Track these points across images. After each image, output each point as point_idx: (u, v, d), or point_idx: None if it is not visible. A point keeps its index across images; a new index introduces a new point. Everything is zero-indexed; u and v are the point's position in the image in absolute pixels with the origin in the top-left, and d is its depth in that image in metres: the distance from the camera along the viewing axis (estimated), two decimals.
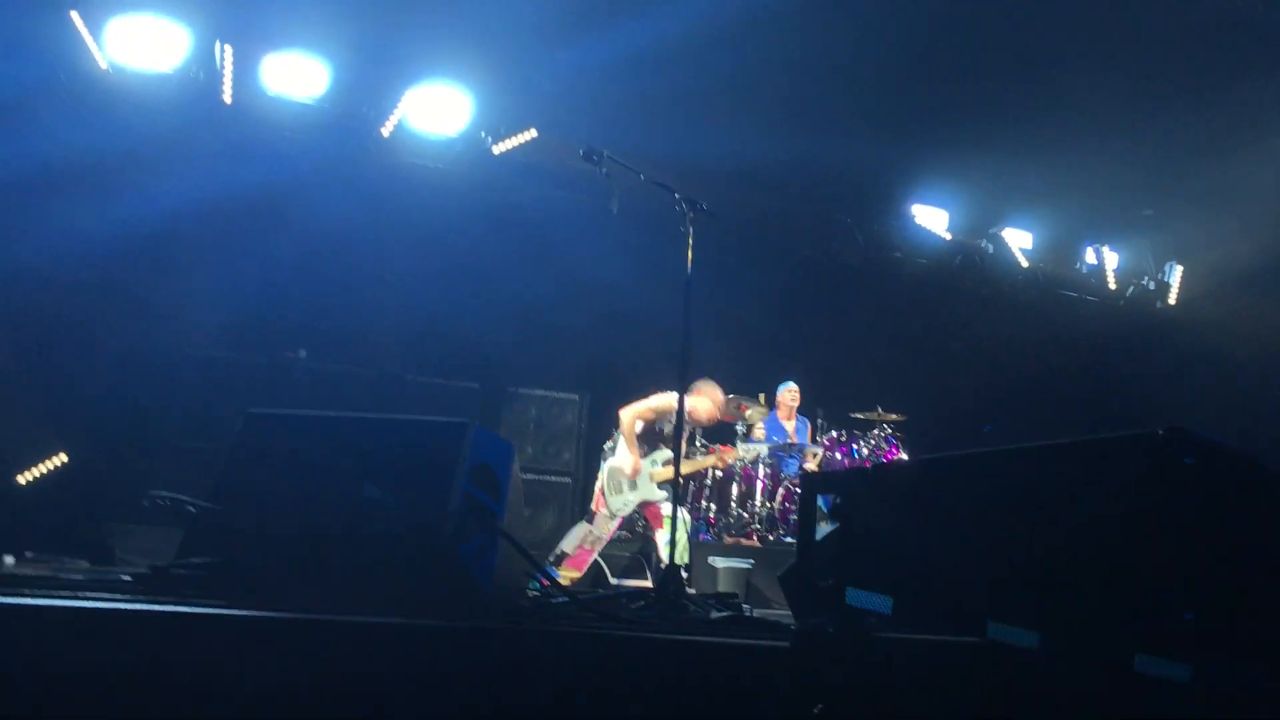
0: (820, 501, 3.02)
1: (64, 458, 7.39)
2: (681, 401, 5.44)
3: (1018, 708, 2.31)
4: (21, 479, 7.23)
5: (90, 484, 7.22)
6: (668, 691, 3.30)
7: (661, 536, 7.56)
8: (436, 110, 9.28)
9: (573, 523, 8.49)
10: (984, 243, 11.68)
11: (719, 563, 7.88)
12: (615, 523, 7.62)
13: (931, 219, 11.40)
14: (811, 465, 9.31)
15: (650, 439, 7.66)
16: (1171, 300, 12.23)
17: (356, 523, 3.67)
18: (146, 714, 2.72)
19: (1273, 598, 2.39)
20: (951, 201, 11.39)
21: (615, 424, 7.76)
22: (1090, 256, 12.16)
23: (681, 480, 8.73)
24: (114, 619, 2.86)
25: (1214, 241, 11.37)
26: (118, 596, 3.11)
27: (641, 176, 5.53)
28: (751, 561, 7.93)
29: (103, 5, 8.07)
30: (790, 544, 8.32)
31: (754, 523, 9.02)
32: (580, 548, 7.46)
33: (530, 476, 9.10)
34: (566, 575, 7.23)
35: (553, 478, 9.29)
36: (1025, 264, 11.74)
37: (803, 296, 11.07)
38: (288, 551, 3.60)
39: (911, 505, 2.71)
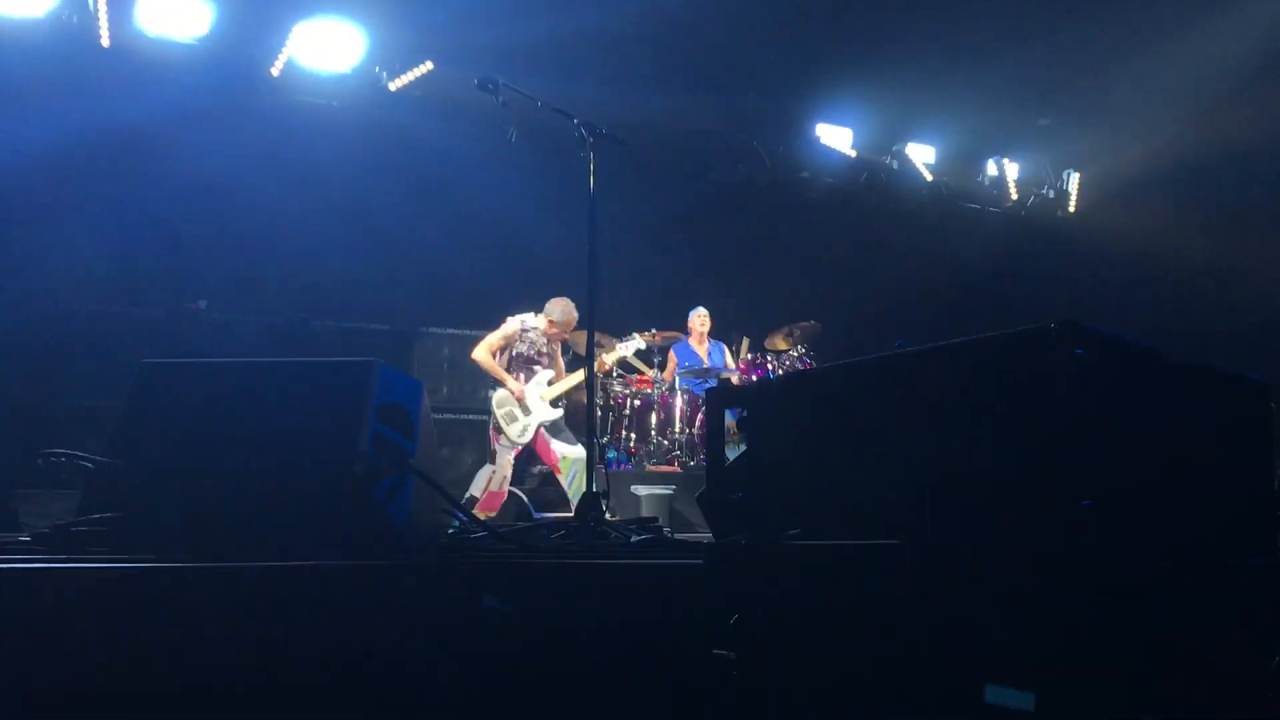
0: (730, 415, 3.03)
1: None
2: (591, 332, 5.41)
3: (930, 606, 2.35)
4: None
5: None
6: (590, 615, 3.32)
7: (564, 480, 7.71)
8: (328, 46, 9.03)
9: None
10: (889, 159, 11.78)
11: (641, 490, 7.93)
12: (514, 453, 7.70)
13: (836, 138, 11.44)
14: None
15: (521, 366, 7.77)
16: (1071, 208, 12.49)
17: (262, 468, 3.58)
18: (54, 672, 2.66)
19: (1168, 485, 2.46)
20: (855, 119, 11.44)
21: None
22: (991, 168, 12.34)
23: (600, 406, 8.82)
24: (12, 578, 2.78)
25: (1109, 148, 11.60)
26: (16, 557, 3.01)
27: (539, 103, 5.43)
28: (673, 488, 7.98)
29: None
30: None
31: (674, 449, 9.07)
32: (488, 490, 7.51)
33: (448, 416, 9.04)
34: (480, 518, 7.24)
35: (469, 416, 9.24)
36: (930, 178, 11.87)
37: (711, 221, 11.08)
38: (192, 501, 3.51)
39: (811, 414, 2.73)
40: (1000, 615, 2.18)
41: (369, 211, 9.19)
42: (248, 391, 3.92)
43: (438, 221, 9.40)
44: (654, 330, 9.57)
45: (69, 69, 8.13)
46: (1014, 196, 12.40)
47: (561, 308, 7.99)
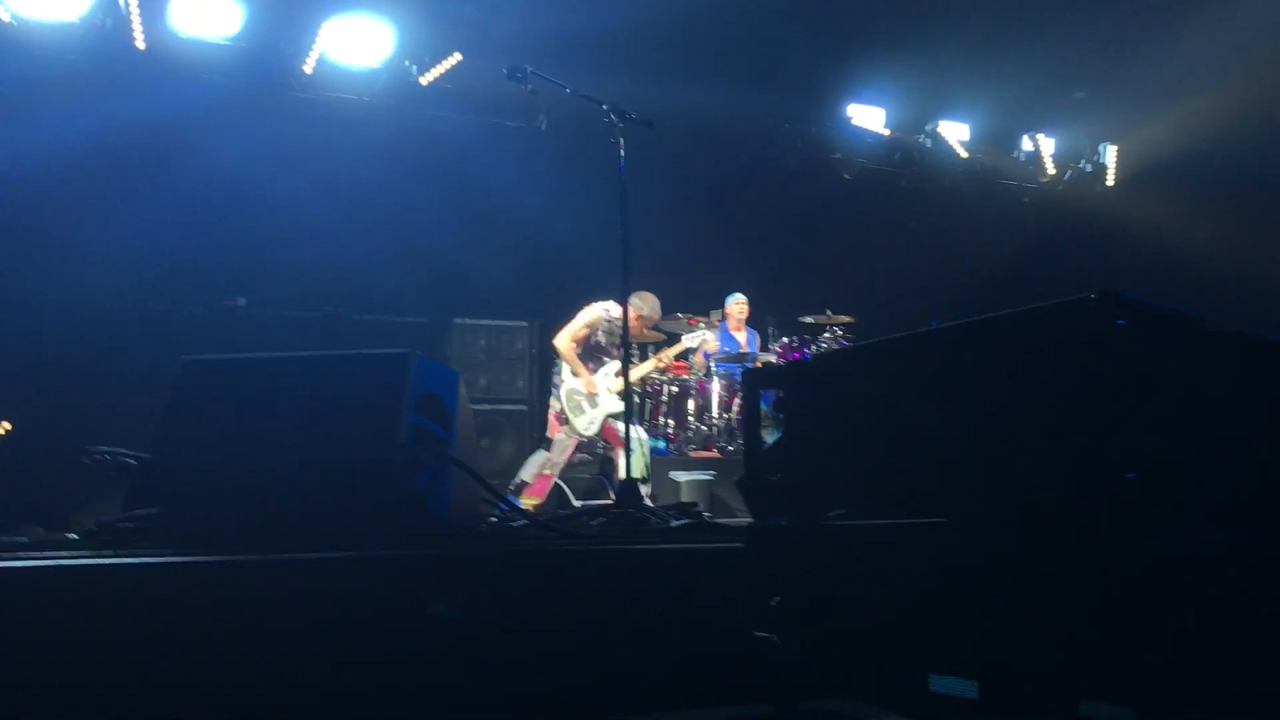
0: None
1: (7, 426, 7.25)
2: (626, 315, 5.42)
3: (972, 586, 2.33)
4: None
5: (35, 448, 7.09)
6: (633, 600, 3.33)
7: (621, 455, 7.57)
8: (358, 42, 9.07)
9: (532, 449, 8.48)
10: (922, 138, 11.66)
11: (680, 477, 7.92)
12: (573, 445, 7.64)
13: (869, 118, 11.34)
14: None
15: (591, 355, 7.67)
16: (1109, 182, 12.31)
17: (303, 461, 3.61)
18: (102, 666, 2.69)
19: (1212, 455, 2.42)
20: (887, 98, 11.33)
21: (555, 352, 7.76)
22: (1027, 144, 12.18)
23: (637, 393, 8.81)
24: (61, 576, 2.82)
25: (1147, 120, 11.43)
26: (64, 554, 3.05)
27: (568, 90, 5.43)
28: (713, 473, 7.97)
29: None
30: None
31: (713, 434, 9.06)
32: (539, 475, 7.47)
33: (485, 406, 9.05)
34: (528, 502, 7.23)
35: (508, 406, 9.25)
36: (964, 155, 11.74)
37: (745, 205, 11.01)
38: (235, 496, 3.55)
39: (850, 393, 2.71)
40: (1046, 590, 2.16)
41: (402, 204, 9.22)
42: (287, 386, 3.95)
43: (471, 212, 9.43)
44: (679, 314, 9.54)
45: (104, 70, 8.24)
46: (1050, 172, 12.24)
47: (651, 303, 7.78)
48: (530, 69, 5.41)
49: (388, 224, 9.16)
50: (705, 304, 9.72)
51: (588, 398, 7.54)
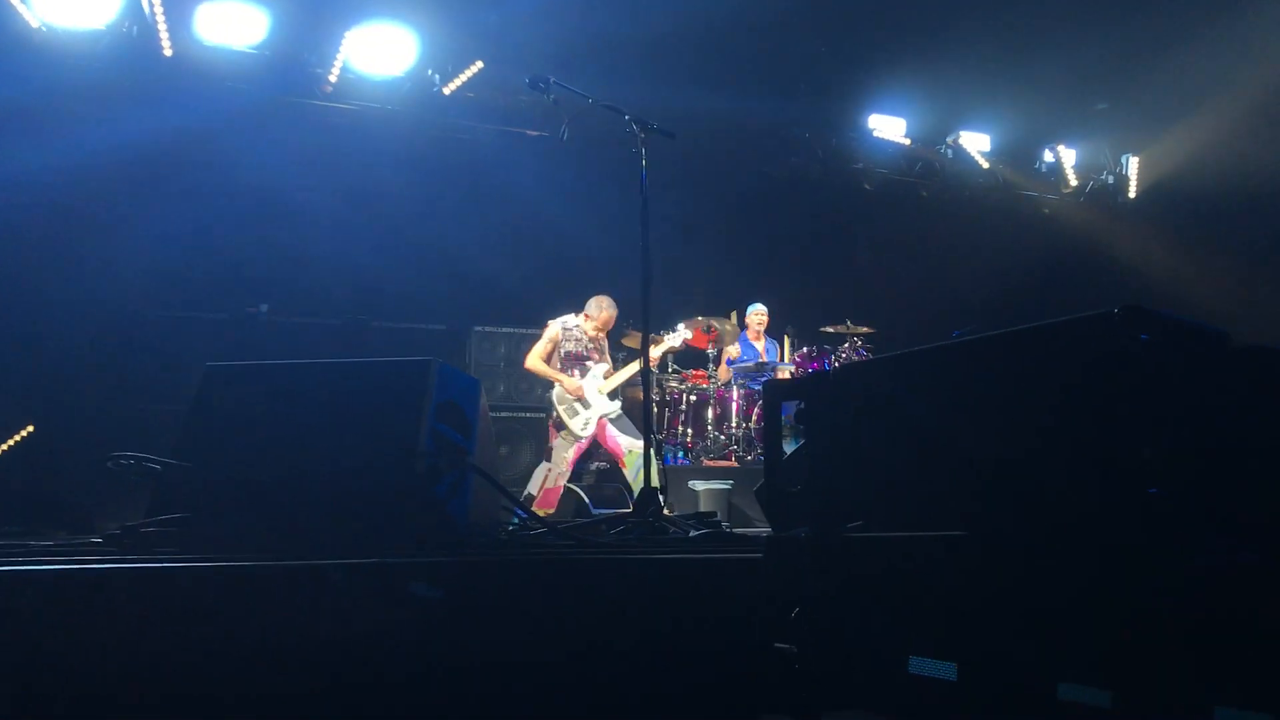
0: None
1: (31, 428, 7.31)
2: (646, 327, 5.41)
3: (990, 595, 2.32)
4: None
5: (60, 453, 7.15)
6: (650, 610, 3.33)
7: (627, 473, 7.74)
8: (381, 50, 9.13)
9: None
10: (943, 148, 11.64)
11: (699, 486, 7.92)
12: (574, 451, 7.73)
13: (890, 128, 11.34)
14: None
15: (572, 364, 7.92)
16: (1131, 194, 12.26)
17: (324, 467, 3.63)
18: (126, 670, 2.71)
19: (1236, 469, 2.41)
20: (908, 109, 11.33)
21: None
22: (1048, 155, 12.16)
23: (655, 400, 8.82)
24: (85, 580, 2.84)
25: (1169, 131, 11.37)
26: (88, 558, 3.08)
27: (590, 100, 5.44)
28: (731, 482, 7.97)
29: None
30: None
31: (731, 444, 9.06)
32: (544, 487, 7.53)
33: (504, 414, 9.09)
34: (540, 514, 7.25)
35: (526, 414, 9.27)
36: (985, 166, 11.72)
37: (766, 215, 11.03)
38: (257, 501, 3.57)
39: (872, 405, 2.71)
40: (1067, 606, 2.15)
41: (424, 212, 9.28)
42: (309, 392, 3.97)
43: (491, 221, 9.49)
44: (699, 317, 9.54)
45: (130, 78, 8.33)
46: (1072, 183, 12.21)
47: (598, 304, 8.03)
48: (553, 79, 5.43)
49: (409, 232, 9.22)
50: (722, 310, 9.73)
51: (578, 400, 7.73)
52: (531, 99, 5.53)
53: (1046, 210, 12.25)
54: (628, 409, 8.22)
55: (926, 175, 11.67)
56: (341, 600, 3.00)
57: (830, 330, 9.87)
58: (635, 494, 7.34)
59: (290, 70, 8.91)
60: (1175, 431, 2.23)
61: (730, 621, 3.23)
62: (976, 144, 11.67)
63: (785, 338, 10.06)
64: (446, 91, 9.46)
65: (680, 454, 9.08)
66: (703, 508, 7.60)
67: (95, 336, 8.00)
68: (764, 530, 4.44)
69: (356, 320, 8.92)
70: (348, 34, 8.94)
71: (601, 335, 8.12)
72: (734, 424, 9.11)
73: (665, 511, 5.24)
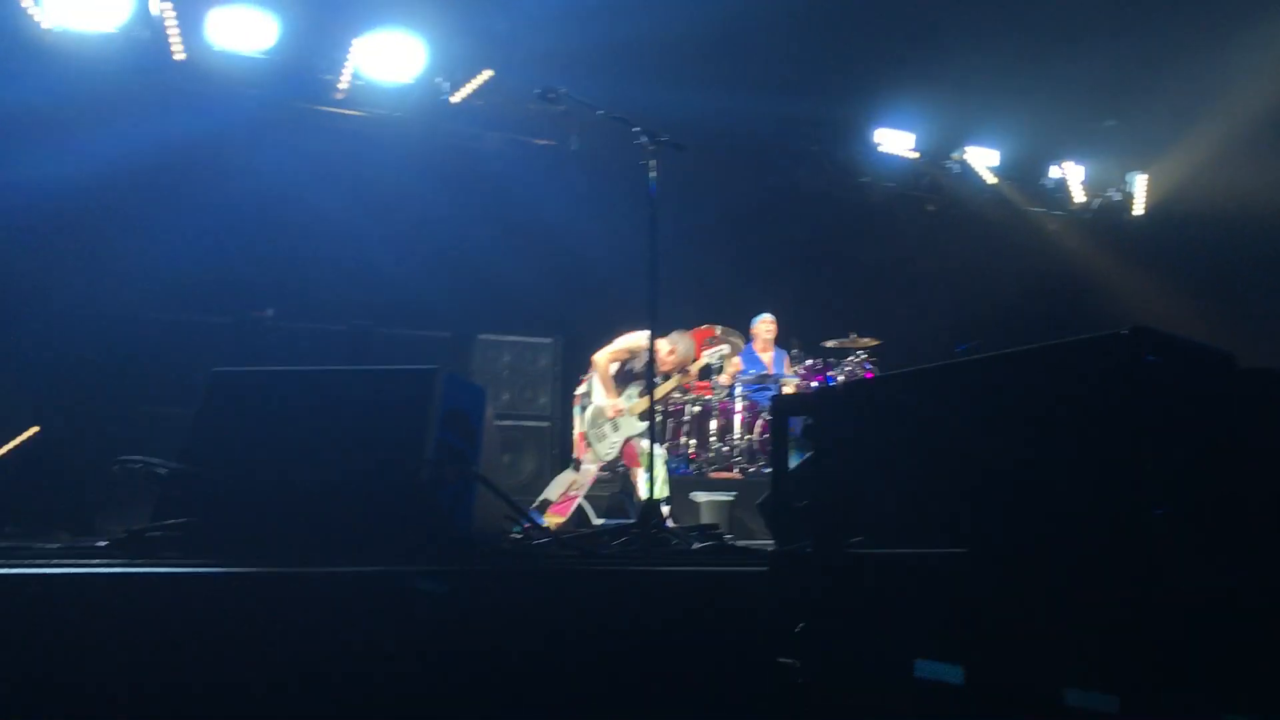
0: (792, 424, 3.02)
1: (35, 430, 7.31)
2: (653, 338, 5.42)
3: (995, 611, 2.33)
4: None
5: (65, 455, 7.15)
6: (653, 622, 3.33)
7: (640, 475, 7.49)
8: (390, 58, 9.14)
9: (553, 466, 8.48)
10: (950, 163, 11.66)
11: (701, 497, 7.92)
12: (596, 468, 7.57)
13: (897, 142, 11.35)
14: None
15: (623, 379, 7.60)
16: (1138, 211, 12.26)
17: (330, 474, 3.64)
18: (130, 674, 2.72)
19: (1242, 492, 2.41)
20: (916, 123, 11.33)
21: (586, 368, 7.70)
22: (1055, 171, 12.17)
23: (659, 415, 8.80)
24: (90, 584, 2.85)
25: (1177, 148, 11.38)
26: (93, 562, 3.08)
27: (599, 111, 5.46)
28: (734, 494, 7.97)
29: None
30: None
31: (734, 456, 9.05)
32: (565, 495, 7.40)
33: (508, 422, 9.08)
34: (551, 521, 7.20)
35: (530, 422, 9.26)
36: (992, 181, 11.73)
37: (772, 227, 11.04)
38: (262, 508, 3.58)
39: (879, 422, 2.71)
40: (1069, 625, 2.15)
41: (431, 220, 9.30)
42: (316, 399, 3.98)
43: (499, 230, 9.49)
44: (718, 329, 9.54)
45: (140, 82, 8.35)
46: (1079, 200, 12.21)
47: (687, 345, 7.67)
48: (563, 89, 5.44)
49: (415, 239, 9.23)
50: (730, 322, 9.73)
51: (610, 422, 7.47)
52: (540, 108, 5.57)
53: (1053, 226, 12.26)
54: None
55: (933, 190, 11.68)
56: (344, 607, 3.01)
57: (832, 344, 9.87)
58: (648, 494, 7.28)
59: (300, 76, 8.93)
60: (1181, 452, 2.23)
61: (732, 635, 3.24)
62: (984, 159, 11.68)
63: (791, 349, 10.07)
64: (455, 99, 9.48)
65: (683, 465, 9.07)
66: (704, 519, 7.60)
67: (103, 340, 8.00)
68: (766, 543, 4.44)
69: (362, 326, 8.92)
70: (357, 41, 8.96)
71: (670, 369, 7.71)
72: (737, 436, 9.11)
73: (668, 523, 5.24)
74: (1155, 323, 2.28)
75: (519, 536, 4.55)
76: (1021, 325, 10.24)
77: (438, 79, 9.43)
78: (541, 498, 7.40)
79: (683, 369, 7.84)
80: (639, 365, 7.50)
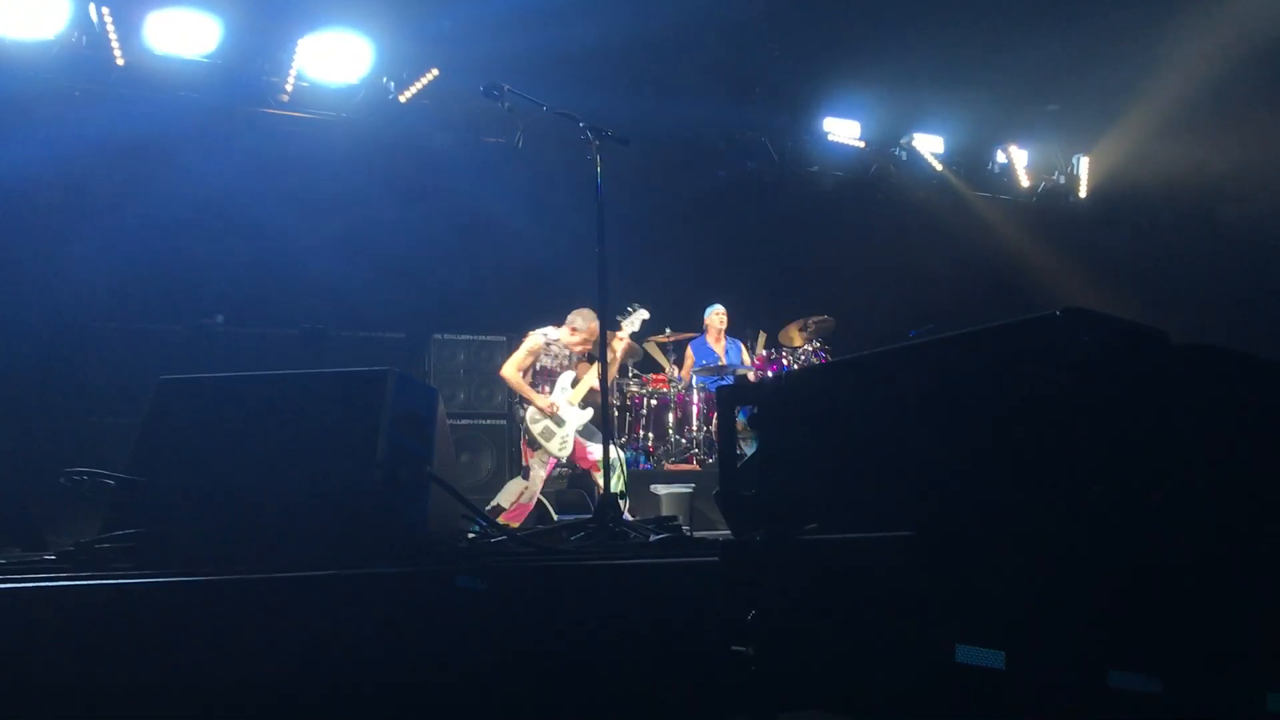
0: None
1: None
2: (603, 331, 5.43)
3: (945, 598, 2.36)
4: None
5: (10, 468, 7.05)
6: (611, 615, 3.35)
7: (598, 477, 7.49)
8: (335, 58, 9.09)
9: (512, 464, 8.47)
10: (897, 150, 11.77)
11: (661, 490, 7.95)
12: (549, 467, 7.54)
13: (844, 131, 11.44)
14: None
15: (543, 378, 7.59)
16: (1082, 194, 12.45)
17: (281, 480, 3.62)
18: (80, 687, 2.69)
19: (1177, 466, 2.46)
20: (863, 111, 11.43)
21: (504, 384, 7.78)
22: (1000, 156, 12.32)
23: (615, 405, 8.82)
24: (39, 597, 2.82)
25: (1119, 131, 11.57)
26: (40, 576, 3.05)
27: (544, 107, 5.46)
28: (693, 486, 8.00)
29: None
30: None
31: (692, 447, 9.10)
32: (517, 503, 7.37)
33: (465, 421, 9.06)
34: None
35: (487, 420, 9.25)
36: (939, 168, 11.85)
37: (722, 218, 11.09)
38: (214, 516, 3.55)
39: (822, 409, 2.75)
40: (1012, 604, 2.19)
41: (380, 221, 9.25)
42: (265, 404, 3.95)
43: (450, 229, 9.47)
44: (669, 331, 9.59)
45: (80, 88, 8.24)
46: (1024, 184, 12.37)
47: (583, 317, 7.61)
48: (507, 87, 5.43)
49: (366, 240, 9.18)
50: (683, 316, 9.76)
51: (552, 419, 7.47)
52: (487, 106, 5.56)
53: (999, 210, 12.41)
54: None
55: (881, 177, 11.78)
56: (297, 612, 3.00)
57: (789, 329, 9.95)
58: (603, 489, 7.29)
59: (244, 79, 8.85)
60: (1117, 430, 2.28)
61: (689, 625, 3.26)
62: (930, 146, 11.81)
63: (760, 336, 10.13)
64: (402, 99, 9.44)
65: (642, 458, 9.10)
66: (665, 511, 7.62)
67: (47, 350, 7.89)
68: (725, 533, 4.47)
69: (314, 330, 8.85)
70: (301, 42, 8.90)
71: (582, 351, 7.69)
72: (695, 427, 9.15)
73: (626, 516, 5.26)
74: (1100, 303, 2.32)
75: (475, 536, 4.55)
76: (973, 309, 10.37)
77: (384, 79, 9.39)
78: (494, 503, 7.37)
79: (593, 347, 7.65)
80: (549, 361, 7.56)
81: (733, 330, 9.94)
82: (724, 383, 9.28)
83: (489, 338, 9.51)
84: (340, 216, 9.07)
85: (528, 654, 3.18)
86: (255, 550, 3.37)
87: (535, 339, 7.61)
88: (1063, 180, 12.47)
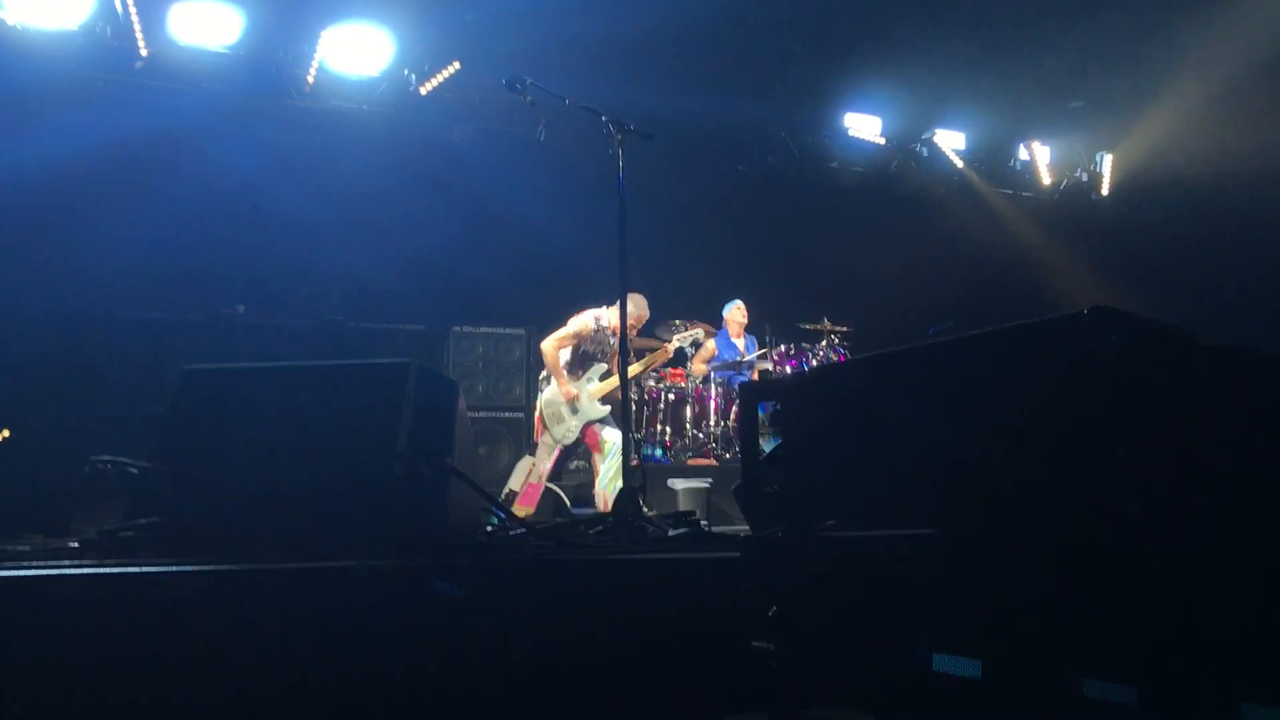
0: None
1: (6, 433, 7.25)
2: (624, 324, 5.42)
3: (965, 596, 2.35)
4: None
5: (36, 456, 7.10)
6: (630, 610, 3.35)
7: (599, 461, 7.43)
8: (357, 51, 9.12)
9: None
10: (918, 146, 11.71)
11: (678, 484, 7.92)
12: (557, 451, 7.50)
13: (865, 127, 11.40)
14: None
15: (581, 362, 7.55)
16: (1104, 191, 12.36)
17: (303, 471, 3.63)
18: (103, 674, 2.71)
19: (1210, 471, 2.44)
20: (884, 107, 11.40)
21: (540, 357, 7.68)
22: (1023, 153, 12.25)
23: (634, 400, 8.79)
24: (63, 584, 2.84)
25: (1143, 129, 11.48)
26: (65, 563, 3.07)
27: (566, 101, 5.45)
28: (710, 481, 7.98)
29: None
30: None
31: (710, 442, 9.08)
32: (527, 483, 7.35)
33: (483, 414, 9.08)
34: (520, 512, 7.16)
35: (505, 413, 9.26)
36: (960, 164, 11.79)
37: (743, 214, 11.07)
38: (235, 505, 3.57)
39: (845, 406, 2.74)
40: (1035, 603, 2.18)
41: (401, 212, 9.27)
42: (287, 395, 3.96)
43: (469, 221, 9.48)
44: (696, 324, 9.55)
45: (105, 79, 8.29)
46: (1046, 181, 12.30)
47: (639, 304, 7.49)
48: (529, 80, 5.42)
49: (386, 232, 9.21)
50: (703, 311, 9.74)
51: (566, 406, 7.44)
52: (508, 99, 5.58)
53: (1021, 207, 12.34)
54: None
55: (902, 173, 11.74)
56: (320, 603, 3.01)
57: (808, 328, 9.91)
58: (603, 482, 7.27)
59: (266, 70, 8.89)
60: (1144, 431, 2.26)
61: (708, 620, 3.26)
62: (951, 142, 11.75)
63: (765, 335, 10.10)
64: (423, 91, 9.47)
65: (659, 453, 9.09)
66: (682, 506, 7.60)
67: (72, 339, 7.94)
68: (743, 529, 4.46)
69: (334, 321, 8.88)
70: (323, 34, 8.93)
71: (632, 331, 7.53)
72: (713, 422, 9.13)
73: (644, 511, 5.24)
74: (1123, 302, 2.30)
75: (494, 529, 4.56)
76: (993, 306, 10.30)
77: (406, 71, 9.41)
78: (507, 489, 7.36)
79: (635, 332, 7.71)
80: (593, 347, 7.47)
81: (748, 325, 9.93)
82: (742, 378, 9.27)
83: (508, 330, 9.52)
84: (361, 208, 9.10)
85: (546, 645, 3.19)
86: (276, 540, 3.39)
87: (586, 321, 7.43)
88: (1085, 178, 12.38)
